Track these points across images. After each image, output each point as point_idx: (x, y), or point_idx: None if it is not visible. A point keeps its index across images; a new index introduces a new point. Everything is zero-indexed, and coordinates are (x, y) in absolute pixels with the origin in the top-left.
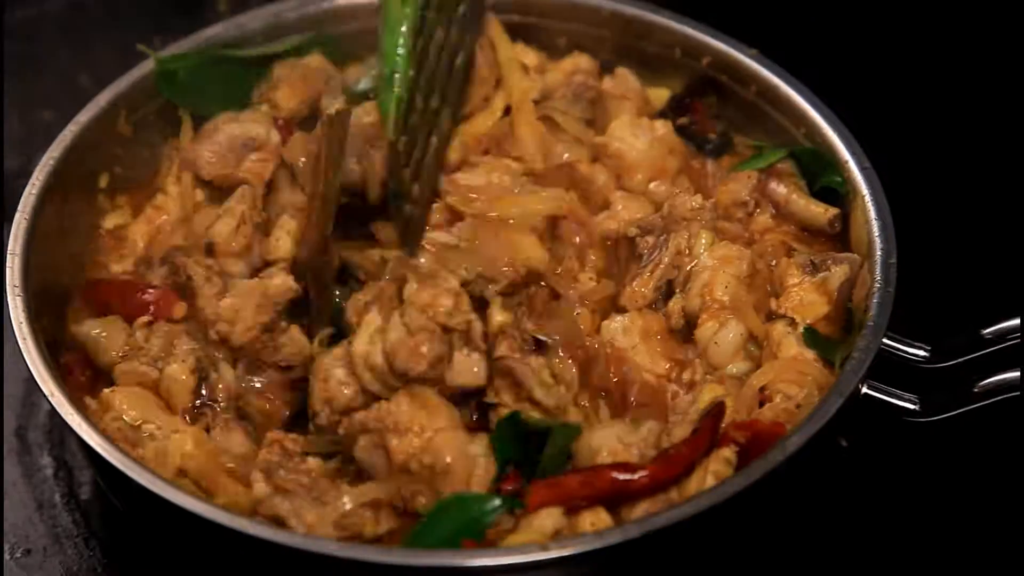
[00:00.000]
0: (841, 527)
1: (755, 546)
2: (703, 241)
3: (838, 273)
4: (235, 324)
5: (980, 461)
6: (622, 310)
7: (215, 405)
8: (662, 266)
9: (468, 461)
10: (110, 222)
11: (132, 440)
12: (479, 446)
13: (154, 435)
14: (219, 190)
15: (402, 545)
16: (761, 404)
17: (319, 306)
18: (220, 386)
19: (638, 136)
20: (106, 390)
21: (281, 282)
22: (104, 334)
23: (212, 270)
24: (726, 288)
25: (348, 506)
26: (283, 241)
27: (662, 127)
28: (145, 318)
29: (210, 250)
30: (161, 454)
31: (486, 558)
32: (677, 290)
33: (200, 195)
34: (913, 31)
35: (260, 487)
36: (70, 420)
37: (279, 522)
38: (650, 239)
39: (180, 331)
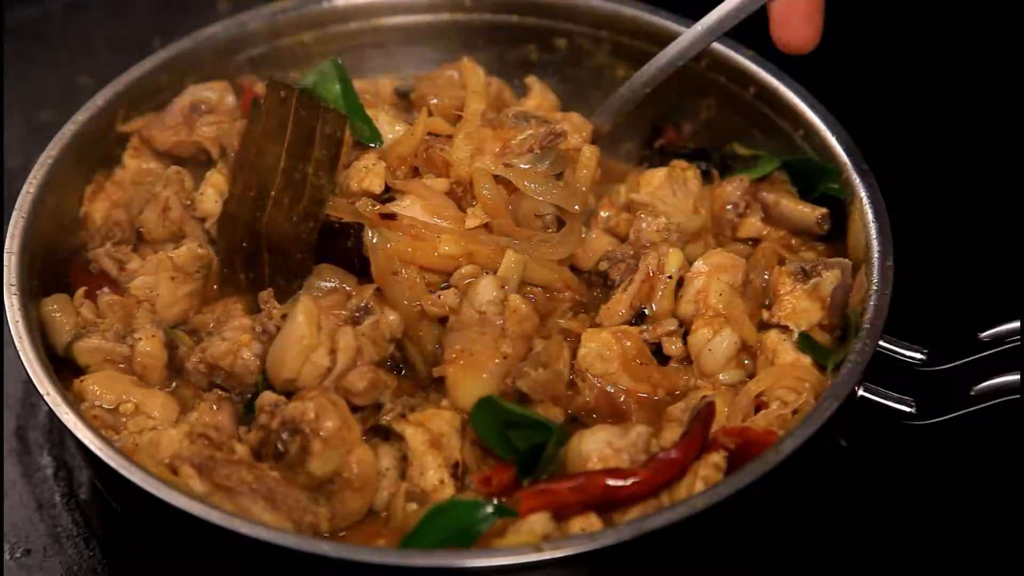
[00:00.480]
0: (837, 529)
1: (751, 548)
2: (673, 261)
3: (829, 278)
4: (154, 301)
5: (977, 464)
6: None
7: (186, 376)
8: (635, 283)
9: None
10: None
11: (112, 425)
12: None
13: (134, 413)
14: (179, 160)
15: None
16: (757, 410)
17: (238, 263)
18: (189, 359)
19: (676, 194)
20: (77, 380)
21: (186, 250)
22: (57, 311)
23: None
24: (720, 296)
25: (303, 504)
26: (207, 195)
27: (693, 179)
28: (81, 289)
29: (140, 238)
30: (152, 444)
31: (482, 559)
32: (648, 311)
33: (156, 165)
34: (911, 32)
35: (196, 484)
36: (66, 419)
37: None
38: (621, 267)
39: (132, 304)
